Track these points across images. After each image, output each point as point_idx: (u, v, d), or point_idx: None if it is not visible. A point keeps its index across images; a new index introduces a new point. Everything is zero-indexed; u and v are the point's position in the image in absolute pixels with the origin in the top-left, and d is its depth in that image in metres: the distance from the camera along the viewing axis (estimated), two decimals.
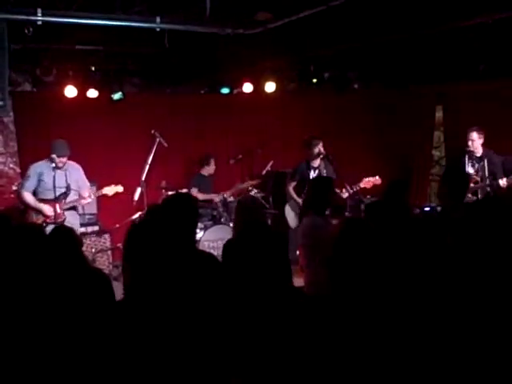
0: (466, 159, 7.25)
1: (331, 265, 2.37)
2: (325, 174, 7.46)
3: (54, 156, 6.58)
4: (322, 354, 2.23)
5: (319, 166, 7.67)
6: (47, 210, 6.62)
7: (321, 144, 7.61)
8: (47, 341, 3.07)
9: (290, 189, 7.83)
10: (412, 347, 2.27)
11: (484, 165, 7.07)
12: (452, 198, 4.49)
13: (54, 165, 6.58)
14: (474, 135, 7.16)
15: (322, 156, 7.59)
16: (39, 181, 6.64)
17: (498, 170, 7.06)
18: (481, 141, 7.17)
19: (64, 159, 6.64)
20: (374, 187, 7.62)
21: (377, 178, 7.60)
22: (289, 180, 7.97)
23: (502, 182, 6.84)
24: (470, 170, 7.20)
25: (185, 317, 2.69)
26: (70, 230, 3.87)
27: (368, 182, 7.54)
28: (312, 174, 7.63)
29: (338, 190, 6.99)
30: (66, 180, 6.63)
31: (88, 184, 7.04)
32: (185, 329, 2.64)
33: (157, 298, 2.69)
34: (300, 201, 7.44)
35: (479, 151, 7.18)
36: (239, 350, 2.43)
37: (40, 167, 6.68)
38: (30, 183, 6.67)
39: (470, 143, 7.17)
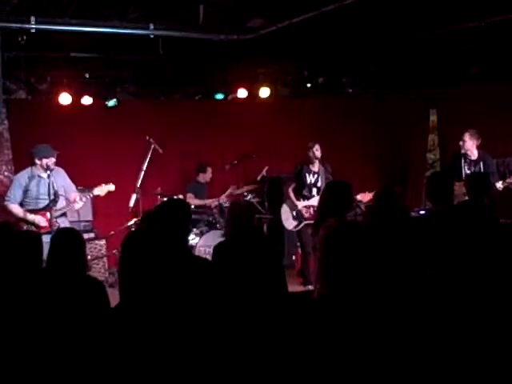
0: (463, 163, 7.20)
1: (322, 266, 2.38)
2: (323, 180, 7.40)
3: (41, 159, 6.23)
4: (313, 359, 2.23)
5: (319, 170, 7.58)
6: (40, 220, 6.26)
7: (315, 147, 7.52)
8: (42, 347, 3.07)
9: (290, 189, 7.74)
10: (405, 347, 2.27)
11: (480, 168, 7.03)
12: (437, 202, 4.50)
13: (38, 172, 6.28)
14: (466, 136, 7.06)
15: (316, 160, 7.52)
16: (25, 191, 6.28)
17: (494, 173, 7.02)
18: (472, 142, 7.08)
19: (53, 160, 6.26)
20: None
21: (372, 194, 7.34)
22: (289, 181, 7.91)
23: (498, 184, 6.79)
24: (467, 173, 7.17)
25: (180, 322, 2.69)
26: (76, 234, 3.79)
27: (365, 195, 7.13)
28: (309, 178, 7.59)
29: None
30: (53, 186, 6.19)
31: (74, 187, 6.63)
32: (180, 334, 2.65)
33: (152, 304, 2.69)
34: (296, 202, 7.50)
35: (473, 153, 7.11)
36: (234, 354, 2.43)
37: (23, 177, 6.34)
38: (16, 195, 6.30)
39: (460, 143, 7.10)
